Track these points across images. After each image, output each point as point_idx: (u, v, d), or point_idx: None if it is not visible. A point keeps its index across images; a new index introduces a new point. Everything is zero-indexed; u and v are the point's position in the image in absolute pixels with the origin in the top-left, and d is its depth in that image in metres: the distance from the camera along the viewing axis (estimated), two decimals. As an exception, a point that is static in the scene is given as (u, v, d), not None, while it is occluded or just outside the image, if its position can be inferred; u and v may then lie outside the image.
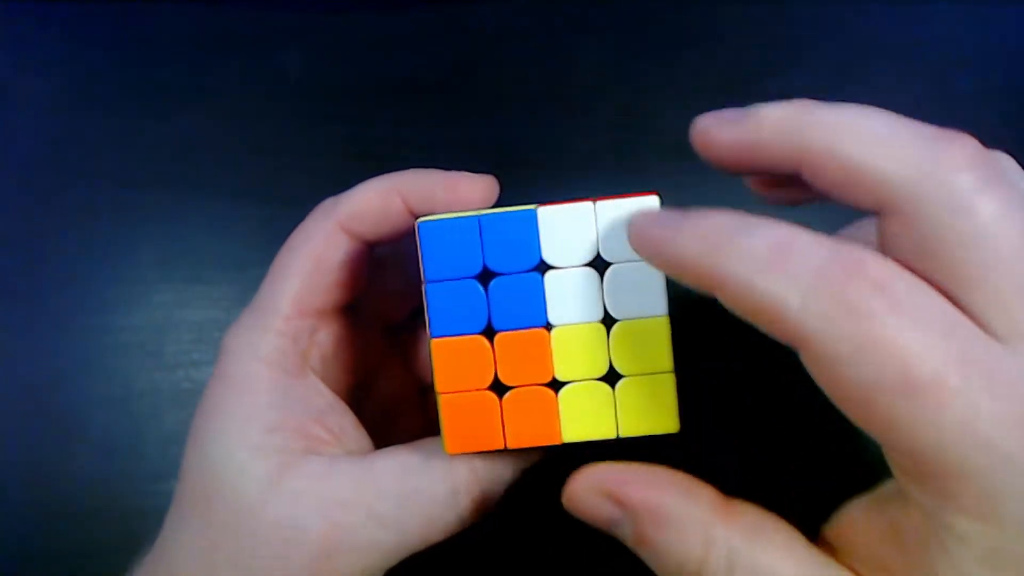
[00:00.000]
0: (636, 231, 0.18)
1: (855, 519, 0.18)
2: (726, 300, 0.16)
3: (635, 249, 0.18)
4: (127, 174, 0.35)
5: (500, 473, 0.21)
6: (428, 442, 0.21)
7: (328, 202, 0.24)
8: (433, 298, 0.20)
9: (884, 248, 0.16)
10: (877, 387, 0.15)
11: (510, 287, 0.20)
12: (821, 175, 0.17)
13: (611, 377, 0.20)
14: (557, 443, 0.20)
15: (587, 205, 0.20)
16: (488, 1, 0.36)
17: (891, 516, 0.17)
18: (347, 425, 0.23)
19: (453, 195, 0.22)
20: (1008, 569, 0.14)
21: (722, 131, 0.18)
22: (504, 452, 0.21)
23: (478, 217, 0.20)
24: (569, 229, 0.20)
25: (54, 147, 0.35)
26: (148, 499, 0.31)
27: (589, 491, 0.18)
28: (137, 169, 0.35)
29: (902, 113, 0.18)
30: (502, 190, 0.34)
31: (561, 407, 0.20)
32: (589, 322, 0.20)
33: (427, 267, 0.20)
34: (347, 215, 0.23)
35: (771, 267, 0.16)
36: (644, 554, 0.18)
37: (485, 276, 0.20)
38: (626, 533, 0.18)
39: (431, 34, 0.36)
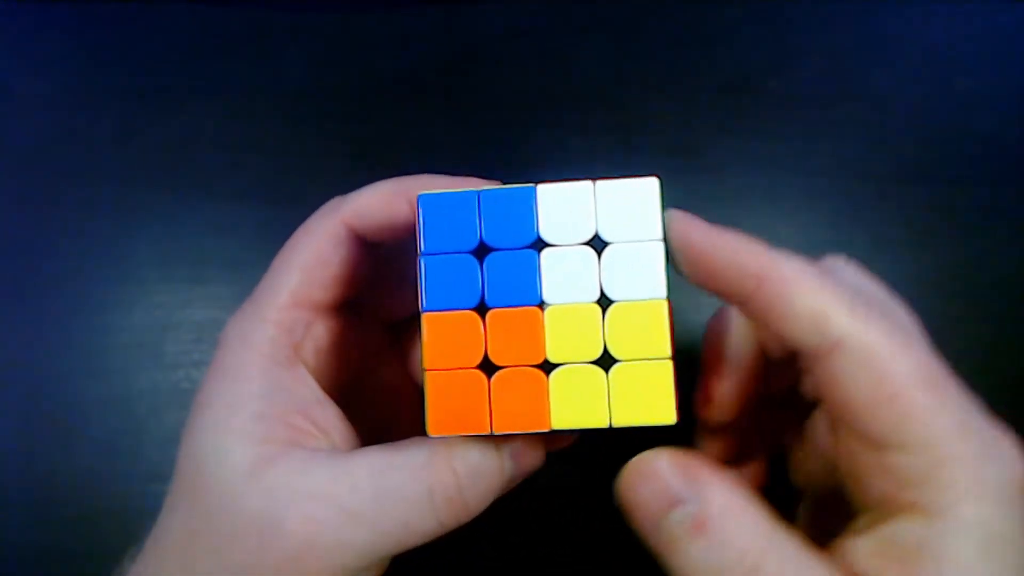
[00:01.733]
0: (683, 220, 0.19)
1: (855, 545, 0.18)
2: (771, 295, 0.18)
3: (678, 233, 0.19)
4: (127, 174, 0.35)
5: (482, 480, 0.20)
6: (411, 441, 0.21)
7: (335, 200, 0.24)
8: (428, 271, 0.20)
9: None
10: (907, 380, 0.17)
11: (505, 263, 0.19)
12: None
13: (605, 361, 0.19)
14: (545, 429, 0.19)
15: (587, 184, 0.20)
16: (488, 1, 0.36)
17: (883, 536, 0.18)
18: (334, 420, 0.22)
19: None
20: (999, 548, 0.16)
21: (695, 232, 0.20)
22: (488, 450, 0.20)
23: (477, 192, 0.20)
24: (568, 207, 0.19)
25: (54, 147, 0.35)
26: (148, 499, 0.31)
27: (661, 460, 0.18)
28: (137, 169, 0.35)
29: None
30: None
31: (552, 391, 0.19)
32: (584, 302, 0.19)
33: (425, 239, 0.20)
34: (353, 213, 0.23)
35: (822, 273, 0.18)
36: (698, 546, 0.17)
37: (481, 252, 0.20)
38: (685, 516, 0.17)
39: (431, 34, 0.36)
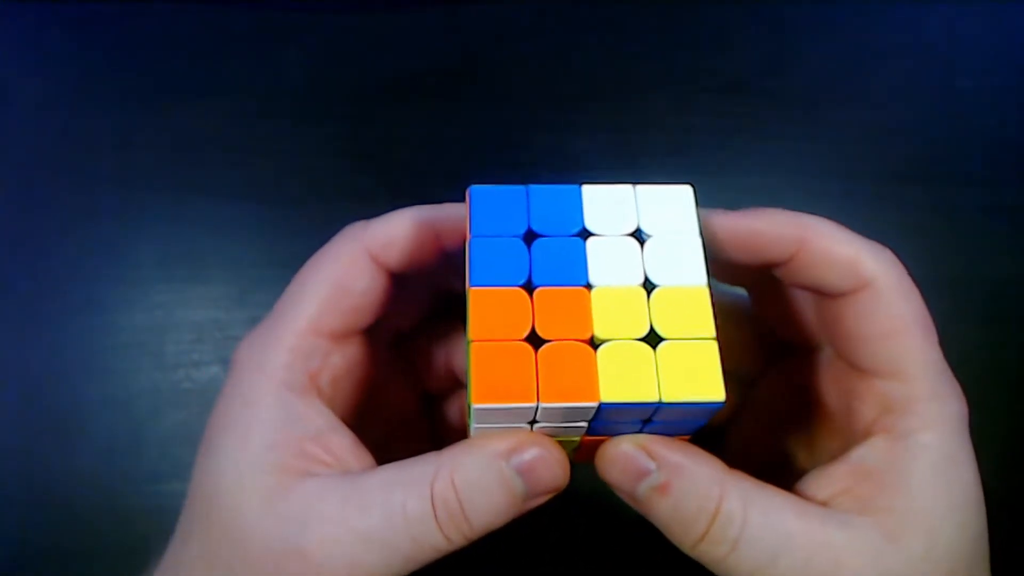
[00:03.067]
0: (722, 213, 0.22)
1: (817, 477, 0.21)
2: (812, 251, 0.21)
3: (723, 223, 0.22)
4: (127, 174, 0.35)
5: (484, 495, 0.20)
6: (421, 457, 0.21)
7: (358, 225, 0.23)
8: (476, 251, 0.20)
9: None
10: (912, 320, 0.21)
11: (553, 248, 0.20)
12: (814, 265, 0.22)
13: (652, 339, 0.19)
14: (594, 402, 0.19)
15: (628, 187, 0.21)
16: (488, 1, 0.36)
17: (853, 461, 0.21)
18: (349, 447, 0.22)
19: None
20: (954, 469, 0.20)
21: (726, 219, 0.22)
22: (490, 465, 0.20)
23: (527, 187, 0.21)
24: (611, 205, 0.21)
25: (54, 147, 0.35)
26: (148, 499, 0.31)
27: (626, 445, 0.21)
28: (137, 169, 0.35)
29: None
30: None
31: (600, 365, 0.19)
32: (630, 285, 0.20)
33: (473, 224, 0.20)
34: (378, 244, 0.22)
35: (845, 230, 0.22)
36: (665, 504, 0.20)
37: (529, 238, 0.20)
38: (652, 483, 0.20)
39: (431, 34, 0.36)
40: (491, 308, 0.19)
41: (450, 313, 0.27)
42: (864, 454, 0.21)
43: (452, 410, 0.28)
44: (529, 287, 0.20)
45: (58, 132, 0.35)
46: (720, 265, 0.24)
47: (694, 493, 0.20)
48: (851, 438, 0.22)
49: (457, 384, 0.27)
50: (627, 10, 0.36)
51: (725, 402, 0.19)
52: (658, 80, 0.35)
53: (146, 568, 0.22)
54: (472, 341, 0.19)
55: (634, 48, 0.36)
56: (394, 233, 0.23)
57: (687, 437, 0.21)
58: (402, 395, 0.27)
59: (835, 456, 0.22)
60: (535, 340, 0.19)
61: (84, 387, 0.32)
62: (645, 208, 0.21)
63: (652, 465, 0.20)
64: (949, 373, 0.21)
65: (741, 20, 0.36)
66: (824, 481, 0.21)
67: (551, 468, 0.20)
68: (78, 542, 0.30)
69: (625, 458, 0.21)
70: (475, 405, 0.19)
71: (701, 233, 0.20)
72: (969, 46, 0.36)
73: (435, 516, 0.20)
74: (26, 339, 0.33)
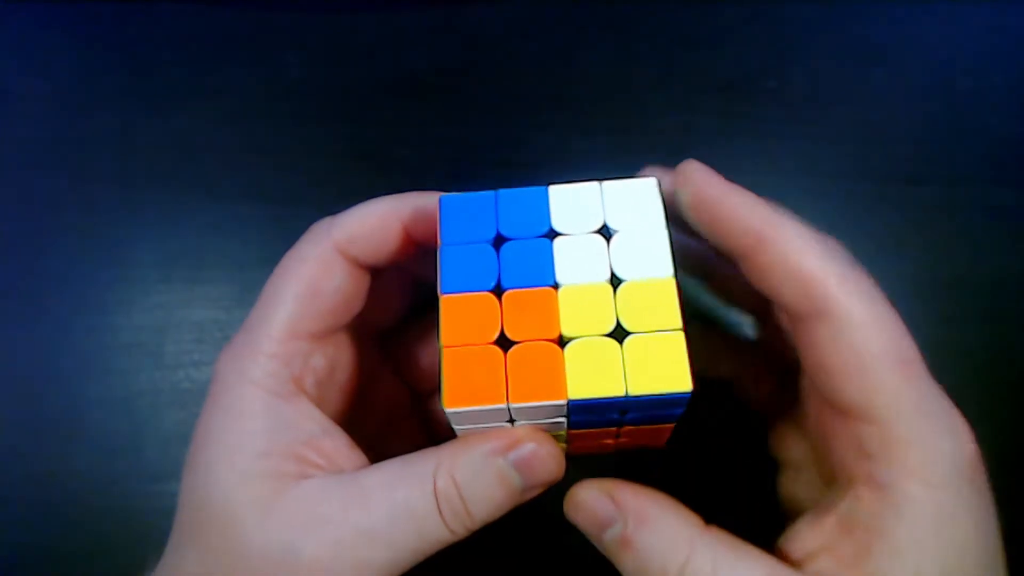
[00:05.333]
0: (698, 169, 0.21)
1: (806, 527, 0.20)
2: (772, 254, 0.19)
3: (692, 178, 0.20)
4: (127, 174, 0.35)
5: (484, 489, 0.20)
6: (420, 453, 0.21)
7: (324, 222, 0.23)
8: (446, 258, 0.20)
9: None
10: (882, 355, 0.18)
11: (520, 250, 0.21)
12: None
13: (619, 334, 0.20)
14: (562, 399, 0.19)
15: (594, 184, 0.21)
16: (488, 1, 0.36)
17: (841, 513, 0.19)
18: (341, 447, 0.22)
19: None
20: (948, 527, 0.18)
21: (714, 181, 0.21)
22: (488, 459, 0.20)
23: (495, 192, 0.21)
24: (577, 203, 0.21)
25: (54, 147, 0.35)
26: (148, 499, 0.31)
27: (591, 490, 0.20)
28: (137, 169, 0.35)
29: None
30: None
31: (567, 362, 0.19)
32: (596, 282, 0.20)
33: (443, 233, 0.21)
34: (345, 239, 0.22)
35: (820, 241, 0.19)
36: (628, 558, 0.19)
37: (498, 242, 0.21)
38: (615, 535, 0.20)
39: (431, 34, 0.36)
40: (462, 313, 0.20)
41: (432, 309, 0.27)
42: (849, 506, 0.19)
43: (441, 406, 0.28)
44: (498, 290, 0.20)
45: (58, 132, 0.35)
46: (717, 286, 0.23)
47: (658, 549, 0.19)
48: (836, 475, 0.20)
49: None
50: (627, 10, 0.36)
51: (693, 391, 0.19)
52: (658, 80, 0.35)
53: None
54: (444, 347, 0.20)
55: (634, 48, 0.36)
56: (361, 227, 0.22)
57: (671, 425, 0.21)
58: (392, 392, 0.27)
59: (826, 484, 0.20)
60: (504, 342, 0.20)
61: (84, 387, 0.32)
62: (611, 204, 0.21)
63: (615, 514, 0.20)
64: (943, 409, 0.19)
65: (741, 20, 0.36)
66: (808, 534, 0.20)
67: (545, 462, 0.21)
68: (78, 542, 0.30)
69: (588, 504, 0.20)
70: (447, 409, 0.19)
71: (668, 225, 0.21)
72: (969, 46, 0.36)
73: (439, 511, 0.20)
74: (26, 339, 0.33)
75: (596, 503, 0.20)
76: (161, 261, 0.33)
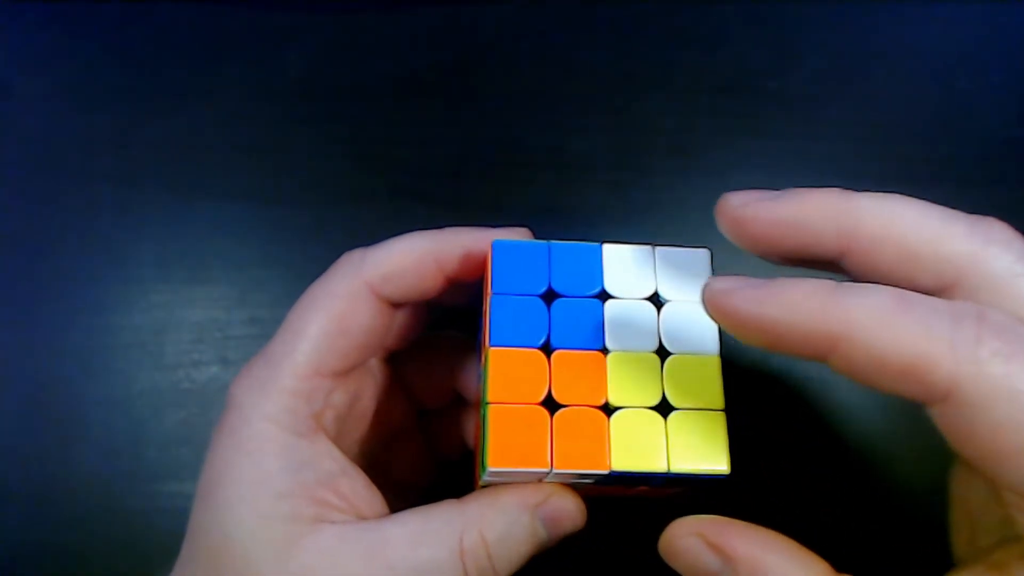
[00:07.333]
0: (716, 297, 0.17)
1: None
2: (852, 355, 0.15)
3: (721, 308, 0.17)
4: (127, 174, 0.35)
5: (512, 547, 0.20)
6: (441, 506, 0.21)
7: (356, 255, 0.22)
8: (496, 309, 0.20)
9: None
10: None
11: (572, 309, 0.20)
12: (874, 257, 0.17)
13: (663, 408, 0.20)
14: (604, 470, 0.19)
15: (647, 248, 0.21)
16: (488, 1, 0.36)
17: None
18: (359, 488, 0.21)
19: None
20: None
21: (760, 209, 0.18)
22: (519, 517, 0.20)
23: (548, 244, 0.21)
24: (630, 266, 0.21)
25: (54, 147, 0.35)
26: (148, 499, 0.31)
27: (691, 537, 0.18)
28: (137, 169, 0.35)
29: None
30: (503, 190, 0.34)
31: (612, 433, 0.19)
32: (645, 351, 0.20)
33: (495, 281, 0.20)
34: (378, 277, 0.22)
35: (905, 314, 0.15)
36: None
37: (549, 297, 0.21)
38: None
39: (431, 34, 0.36)
40: (509, 369, 0.20)
41: (446, 326, 0.27)
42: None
43: (449, 425, 0.28)
44: (547, 348, 0.20)
45: (58, 131, 0.35)
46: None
47: None
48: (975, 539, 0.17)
49: (455, 400, 0.27)
50: (627, 10, 0.36)
51: (729, 474, 0.19)
52: (658, 80, 0.35)
53: None
54: (490, 403, 0.20)
55: (634, 48, 0.36)
56: (395, 265, 0.22)
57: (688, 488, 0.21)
58: (397, 409, 0.26)
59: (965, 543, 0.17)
60: (551, 404, 0.20)
61: (84, 387, 0.32)
62: (663, 271, 0.21)
63: (722, 568, 0.17)
64: None
65: (741, 20, 0.36)
66: None
67: (573, 515, 0.21)
68: (78, 542, 0.30)
69: (690, 555, 0.18)
70: (491, 468, 0.19)
71: None
72: (969, 46, 0.36)
73: (464, 569, 0.20)
74: (25, 339, 0.33)
75: (698, 554, 0.18)
76: (161, 261, 0.33)
